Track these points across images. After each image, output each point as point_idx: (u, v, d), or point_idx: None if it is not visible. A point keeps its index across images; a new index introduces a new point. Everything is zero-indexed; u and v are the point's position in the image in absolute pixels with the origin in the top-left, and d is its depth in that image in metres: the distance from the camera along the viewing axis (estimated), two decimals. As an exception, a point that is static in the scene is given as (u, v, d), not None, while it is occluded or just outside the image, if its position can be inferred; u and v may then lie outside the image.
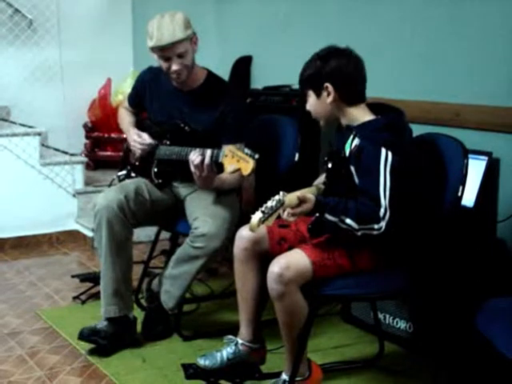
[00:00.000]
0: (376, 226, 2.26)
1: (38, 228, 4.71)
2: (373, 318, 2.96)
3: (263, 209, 2.17)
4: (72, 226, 4.83)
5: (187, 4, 4.44)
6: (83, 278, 3.82)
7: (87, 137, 5.64)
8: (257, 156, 2.52)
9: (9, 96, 5.12)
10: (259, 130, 3.29)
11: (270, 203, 2.19)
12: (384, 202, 2.26)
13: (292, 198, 2.25)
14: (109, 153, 5.57)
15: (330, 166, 2.50)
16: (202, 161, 2.74)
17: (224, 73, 4.01)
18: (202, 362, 2.73)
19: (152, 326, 3.14)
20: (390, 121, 2.37)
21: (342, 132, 2.49)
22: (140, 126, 3.29)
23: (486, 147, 2.85)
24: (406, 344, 2.99)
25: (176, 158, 2.97)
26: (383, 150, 2.28)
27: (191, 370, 2.74)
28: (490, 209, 2.86)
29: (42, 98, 5.20)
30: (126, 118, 3.35)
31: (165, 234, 3.63)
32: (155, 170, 3.15)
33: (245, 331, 2.70)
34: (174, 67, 2.93)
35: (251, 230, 2.19)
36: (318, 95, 2.42)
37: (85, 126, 5.63)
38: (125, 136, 3.38)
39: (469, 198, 2.73)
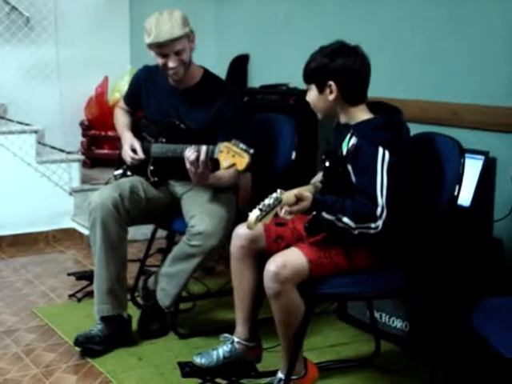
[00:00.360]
0: (373, 225, 2.26)
1: (34, 226, 4.70)
2: (369, 317, 2.96)
3: (261, 206, 2.17)
4: (68, 224, 4.82)
5: (185, 2, 4.43)
6: (79, 276, 3.82)
7: (84, 135, 5.64)
8: (252, 151, 2.53)
9: (5, 94, 5.11)
10: (256, 129, 3.29)
11: (267, 201, 2.19)
12: (381, 200, 2.26)
13: (289, 195, 2.25)
14: (105, 151, 5.55)
15: (327, 164, 2.50)
16: (198, 157, 2.74)
17: (221, 71, 4.01)
18: (198, 360, 2.73)
19: (148, 324, 3.13)
20: (388, 120, 2.37)
21: (340, 130, 2.48)
22: (136, 124, 3.29)
23: (483, 147, 2.86)
24: (402, 343, 2.99)
25: (171, 156, 2.97)
26: (380, 149, 2.28)
27: (187, 369, 2.74)
28: (487, 208, 2.86)
29: (39, 96, 5.19)
30: (120, 119, 3.34)
31: (161, 233, 3.63)
32: (151, 168, 3.15)
33: (241, 329, 2.70)
34: (171, 64, 2.93)
35: (249, 227, 2.18)
36: (321, 91, 2.41)
37: (81, 123, 5.62)
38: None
39: (465, 197, 2.74)
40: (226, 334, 2.74)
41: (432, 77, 3.21)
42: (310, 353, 2.73)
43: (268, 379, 2.64)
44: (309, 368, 2.56)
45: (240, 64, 4.44)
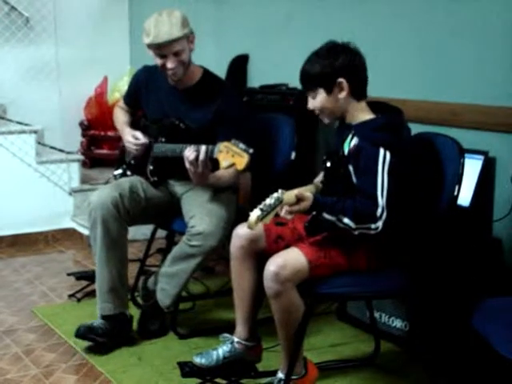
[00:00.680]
0: (373, 226, 2.27)
1: (34, 226, 4.70)
2: (369, 317, 2.96)
3: (261, 206, 2.18)
4: (68, 224, 4.82)
5: (184, 3, 4.44)
6: (79, 275, 3.82)
7: (83, 135, 5.63)
8: (251, 151, 2.53)
9: (5, 94, 5.11)
10: (256, 129, 3.28)
11: (268, 201, 2.19)
12: (381, 201, 2.26)
13: (290, 195, 2.25)
14: (105, 151, 5.55)
15: (328, 164, 2.50)
16: (197, 157, 2.74)
17: (221, 71, 4.01)
18: (198, 360, 2.73)
19: (148, 324, 3.13)
20: (389, 120, 2.37)
21: (341, 130, 2.48)
22: (136, 124, 3.29)
23: (483, 147, 2.86)
24: (401, 343, 2.99)
25: (171, 155, 2.97)
26: (381, 150, 2.28)
27: (187, 369, 2.74)
28: (486, 208, 2.87)
29: (39, 96, 5.19)
30: (120, 117, 3.34)
31: (161, 233, 3.63)
32: (151, 167, 3.15)
33: (241, 329, 2.70)
34: (170, 65, 2.93)
35: (249, 227, 2.18)
36: (329, 92, 2.40)
37: (81, 124, 5.61)
38: (121, 134, 3.37)
39: (465, 197, 2.74)
40: (226, 334, 2.74)
41: (432, 77, 3.21)
42: (309, 353, 2.73)
43: (268, 379, 2.64)
44: (309, 368, 2.56)
45: (240, 64, 4.44)
